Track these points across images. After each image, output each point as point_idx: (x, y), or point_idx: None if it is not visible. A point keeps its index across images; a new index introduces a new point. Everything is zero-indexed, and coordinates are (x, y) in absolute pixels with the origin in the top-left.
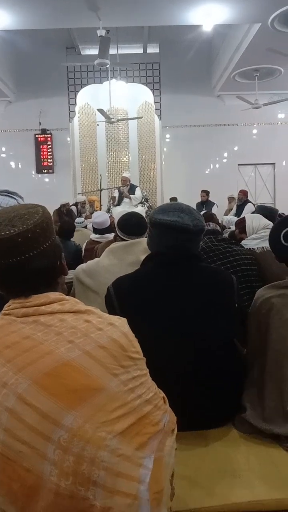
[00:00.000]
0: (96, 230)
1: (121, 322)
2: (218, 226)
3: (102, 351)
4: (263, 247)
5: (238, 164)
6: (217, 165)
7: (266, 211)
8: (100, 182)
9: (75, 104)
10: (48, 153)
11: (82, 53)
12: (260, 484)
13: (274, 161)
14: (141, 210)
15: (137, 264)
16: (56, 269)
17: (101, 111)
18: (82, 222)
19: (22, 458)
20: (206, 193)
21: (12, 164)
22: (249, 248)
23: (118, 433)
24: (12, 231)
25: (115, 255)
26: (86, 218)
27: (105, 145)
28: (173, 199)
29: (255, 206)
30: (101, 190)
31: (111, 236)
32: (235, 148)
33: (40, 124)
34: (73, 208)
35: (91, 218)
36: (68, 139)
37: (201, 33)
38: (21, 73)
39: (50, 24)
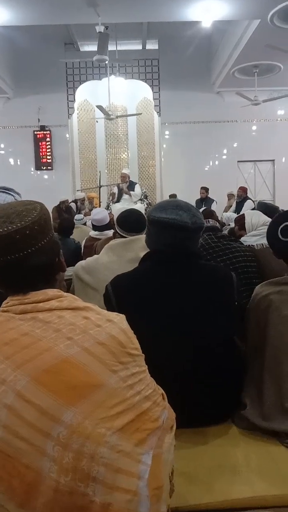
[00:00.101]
0: (95, 227)
1: (119, 319)
2: (217, 223)
3: (101, 347)
4: (262, 244)
5: (238, 161)
6: (217, 162)
7: (267, 209)
8: (99, 178)
9: (74, 100)
10: (47, 150)
11: (81, 49)
12: (260, 480)
13: (273, 157)
14: (140, 207)
15: (136, 261)
16: (55, 266)
17: (100, 107)
18: (82, 219)
19: (21, 454)
20: (205, 190)
21: (11, 161)
22: (249, 245)
23: (117, 430)
24: (10, 228)
25: (114, 252)
26: (85, 215)
27: (104, 141)
28: (173, 196)
29: (255, 203)
30: (100, 187)
31: (110, 233)
32: (235, 145)
33: (39, 121)
34: (73, 205)
35: (90, 215)
36: (67, 135)
37: (200, 29)
38: (20, 69)
39: (48, 20)
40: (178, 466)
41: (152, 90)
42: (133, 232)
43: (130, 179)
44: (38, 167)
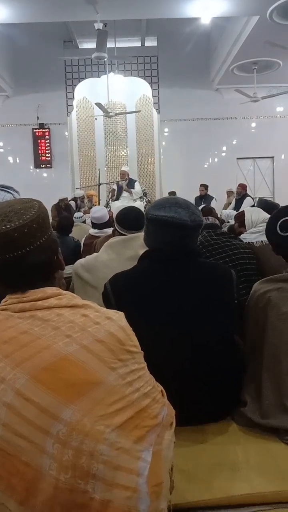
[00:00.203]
0: (94, 225)
1: (118, 316)
2: (217, 220)
3: (100, 345)
4: (262, 241)
5: (237, 158)
6: (216, 159)
7: (267, 206)
8: (99, 176)
9: (73, 98)
10: (46, 148)
11: (79, 47)
12: (259, 477)
13: (272, 154)
14: (139, 204)
15: (135, 259)
16: (53, 264)
17: (99, 105)
18: (81, 217)
19: (21, 452)
20: (205, 187)
21: (10, 159)
22: (248, 242)
23: (116, 427)
24: (8, 226)
25: (113, 250)
26: (84, 213)
27: (103, 139)
28: (172, 193)
29: (254, 200)
30: (99, 185)
31: (109, 230)
32: (234, 142)
33: (38, 119)
34: (72, 203)
35: (89, 213)
36: (66, 133)
37: (199, 26)
38: (19, 67)
39: (47, 18)
40: (177, 463)
41: (151, 87)
42: (132, 229)
43: (130, 176)
44: (37, 165)
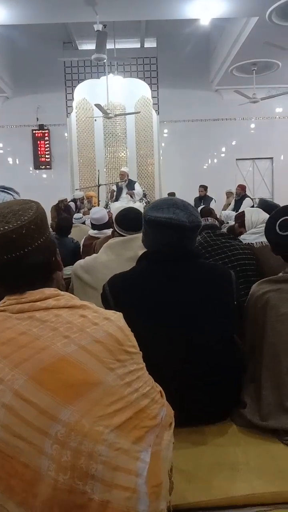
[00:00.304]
0: (94, 226)
1: (116, 317)
2: (216, 221)
3: (98, 345)
4: (261, 242)
5: (236, 159)
6: (215, 160)
7: (268, 206)
8: (98, 177)
9: (72, 99)
10: (46, 149)
11: (79, 48)
12: (259, 478)
13: (272, 155)
14: (139, 205)
15: (135, 260)
16: (51, 265)
17: (98, 106)
18: (81, 218)
19: (19, 453)
20: (204, 188)
21: (10, 160)
22: (248, 243)
23: (115, 427)
24: (6, 227)
25: (113, 251)
26: (84, 214)
27: (102, 140)
28: (171, 194)
29: (254, 200)
30: (99, 186)
31: (109, 231)
32: (233, 143)
33: (37, 120)
34: (72, 204)
35: (89, 214)
36: (66, 134)
37: (199, 27)
38: (18, 68)
39: (46, 19)
40: (177, 464)
41: (151, 89)
42: (132, 230)
43: (129, 177)
44: (37, 166)
